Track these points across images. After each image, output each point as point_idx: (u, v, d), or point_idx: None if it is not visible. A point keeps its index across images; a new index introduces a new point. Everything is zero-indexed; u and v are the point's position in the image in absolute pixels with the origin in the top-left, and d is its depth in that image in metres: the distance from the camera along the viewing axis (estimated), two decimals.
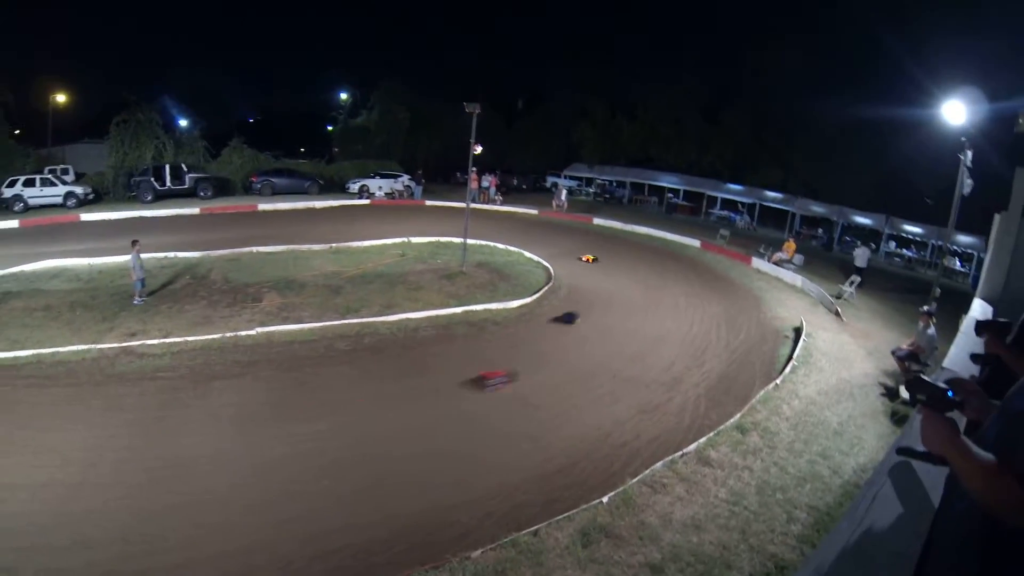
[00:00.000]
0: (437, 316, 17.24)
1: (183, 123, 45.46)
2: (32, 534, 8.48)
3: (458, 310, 17.67)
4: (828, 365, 15.46)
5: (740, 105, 46.94)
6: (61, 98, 46.13)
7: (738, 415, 12.19)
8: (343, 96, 53.76)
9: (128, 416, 11.84)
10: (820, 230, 40.66)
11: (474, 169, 24.36)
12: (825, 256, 34.41)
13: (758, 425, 11.88)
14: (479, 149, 22.88)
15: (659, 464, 10.28)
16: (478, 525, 8.89)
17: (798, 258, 27.02)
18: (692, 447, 10.88)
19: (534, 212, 37.61)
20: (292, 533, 8.61)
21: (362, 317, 16.86)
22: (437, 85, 56.53)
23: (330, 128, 55.37)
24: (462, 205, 27.05)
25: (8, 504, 9.12)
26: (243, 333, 15.50)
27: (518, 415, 12.32)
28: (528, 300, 18.86)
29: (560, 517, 8.71)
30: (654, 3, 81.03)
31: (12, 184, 33.06)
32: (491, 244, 26.16)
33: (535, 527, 8.47)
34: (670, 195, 46.34)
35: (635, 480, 9.79)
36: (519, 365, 14.45)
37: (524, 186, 50.74)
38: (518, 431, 11.70)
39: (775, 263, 26.54)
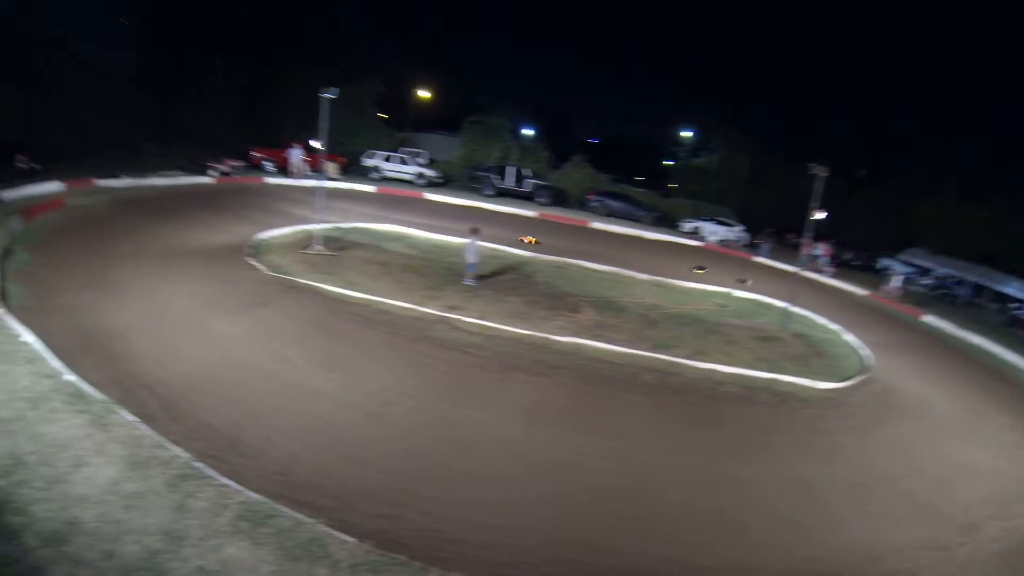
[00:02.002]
0: (743, 376, 16.70)
1: (528, 132, 50.00)
2: (328, 434, 10.82)
3: (765, 375, 16.99)
4: None
5: None
6: (424, 93, 53.90)
7: None
8: (685, 133, 55.00)
9: (432, 376, 13.66)
10: None
11: (808, 235, 23.38)
12: None
13: None
14: (821, 215, 21.89)
15: None
16: None
17: None
18: None
19: (862, 293, 34.88)
20: (537, 530, 9.28)
21: (672, 355, 16.99)
22: (779, 139, 55.10)
23: (668, 163, 56.76)
24: (790, 268, 26.25)
25: (317, 406, 11.77)
26: (554, 338, 16.56)
27: (797, 501, 11.66)
28: (839, 385, 17.37)
29: None
30: None
31: (372, 156, 40.94)
32: (811, 316, 24.73)
33: None
34: (1014, 305, 39.62)
35: None
36: (812, 452, 13.74)
37: (856, 262, 47.20)
38: (791, 517, 11.10)
39: None
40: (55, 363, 11.30)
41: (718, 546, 9.86)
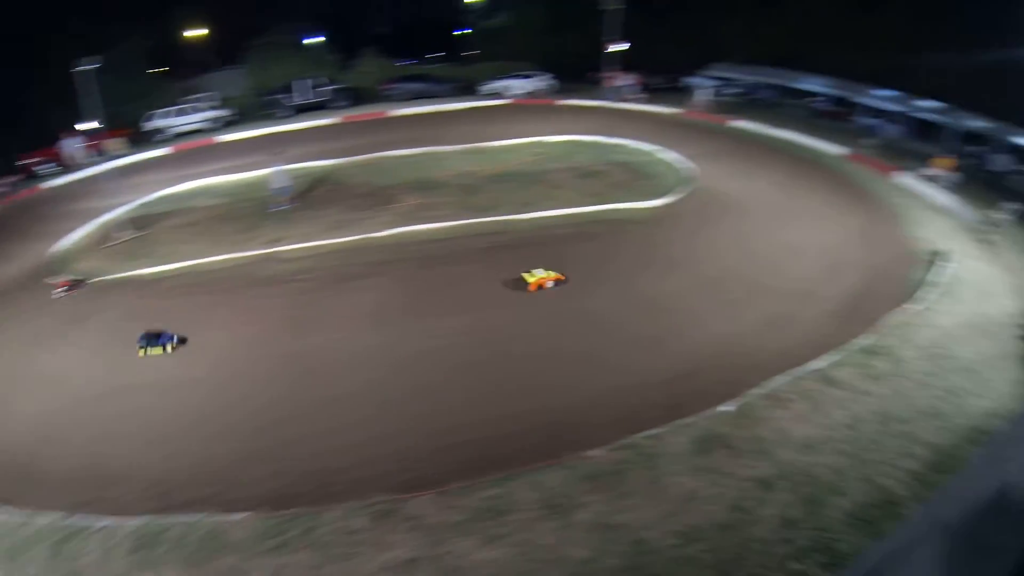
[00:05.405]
0: (574, 215, 17.06)
1: (314, 40, 47.38)
2: (178, 425, 10.44)
3: (595, 208, 17.38)
4: (969, 297, 13.55)
5: None
6: (195, 32, 49.54)
7: (867, 338, 11.36)
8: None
9: (268, 319, 13.09)
10: (981, 148, 34.02)
11: (611, 69, 23.48)
12: (982, 178, 29.18)
13: (887, 350, 11.04)
14: (621, 46, 21.99)
15: (782, 378, 10.02)
16: (599, 424, 9.21)
17: (950, 177, 23.15)
18: (817, 365, 10.43)
19: (672, 111, 34.44)
20: (420, 427, 9.41)
21: (499, 215, 17.00)
22: None
23: (462, 32, 55.57)
24: (595, 104, 28.12)
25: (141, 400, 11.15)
26: (377, 234, 16.23)
27: (645, 317, 12.23)
28: (668, 200, 18.08)
29: (680, 422, 8.93)
30: None
31: (151, 118, 36.83)
32: (628, 143, 24.89)
33: (656, 430, 8.76)
34: (815, 100, 41.29)
35: (757, 392, 9.65)
36: (652, 267, 14.41)
37: (664, 86, 47.96)
38: (644, 333, 11.68)
39: (926, 179, 23.11)
40: None
41: (584, 382, 10.40)
